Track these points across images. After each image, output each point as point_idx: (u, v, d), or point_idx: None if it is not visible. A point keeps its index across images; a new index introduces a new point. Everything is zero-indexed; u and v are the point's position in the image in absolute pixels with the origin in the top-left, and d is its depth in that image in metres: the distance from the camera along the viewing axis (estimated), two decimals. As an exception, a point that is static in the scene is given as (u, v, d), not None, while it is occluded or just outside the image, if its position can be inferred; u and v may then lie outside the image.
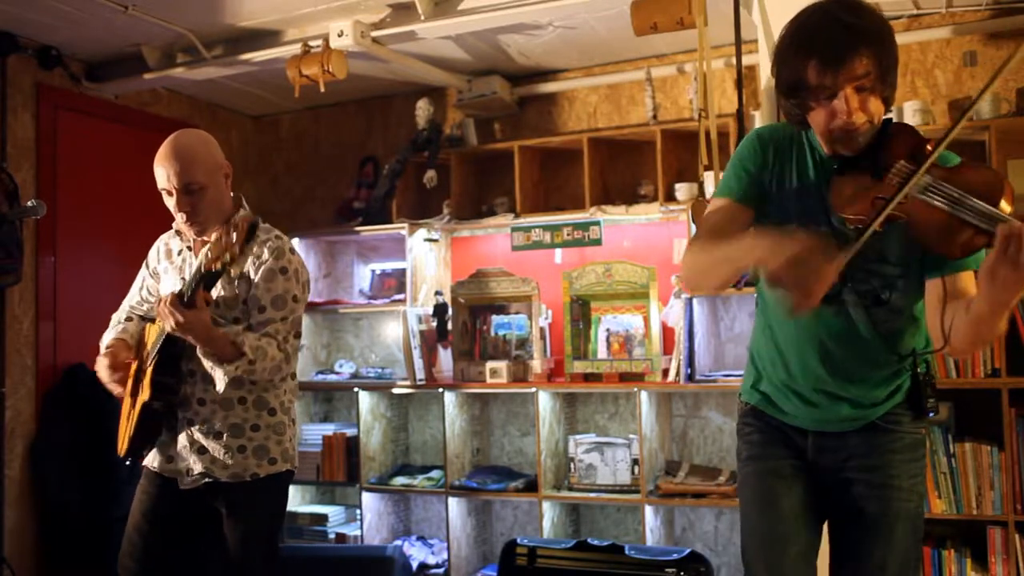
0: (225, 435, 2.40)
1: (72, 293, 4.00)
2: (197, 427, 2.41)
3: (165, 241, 2.59)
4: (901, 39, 3.73)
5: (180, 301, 2.23)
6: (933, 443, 3.31)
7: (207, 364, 2.32)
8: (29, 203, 2.75)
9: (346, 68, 3.69)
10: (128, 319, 2.63)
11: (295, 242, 4.49)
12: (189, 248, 2.48)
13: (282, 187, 5.07)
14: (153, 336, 2.47)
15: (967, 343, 1.64)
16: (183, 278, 2.45)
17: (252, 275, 2.39)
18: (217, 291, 2.40)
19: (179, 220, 2.41)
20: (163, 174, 2.35)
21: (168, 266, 2.54)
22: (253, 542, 2.42)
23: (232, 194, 2.51)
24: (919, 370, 1.80)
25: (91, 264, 4.10)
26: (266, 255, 2.39)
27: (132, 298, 2.66)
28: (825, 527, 1.91)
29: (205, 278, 2.24)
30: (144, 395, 2.39)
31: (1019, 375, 3.26)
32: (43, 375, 3.90)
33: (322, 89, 3.72)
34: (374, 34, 3.67)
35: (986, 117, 3.41)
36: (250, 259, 2.40)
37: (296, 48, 3.71)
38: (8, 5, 3.46)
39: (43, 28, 3.73)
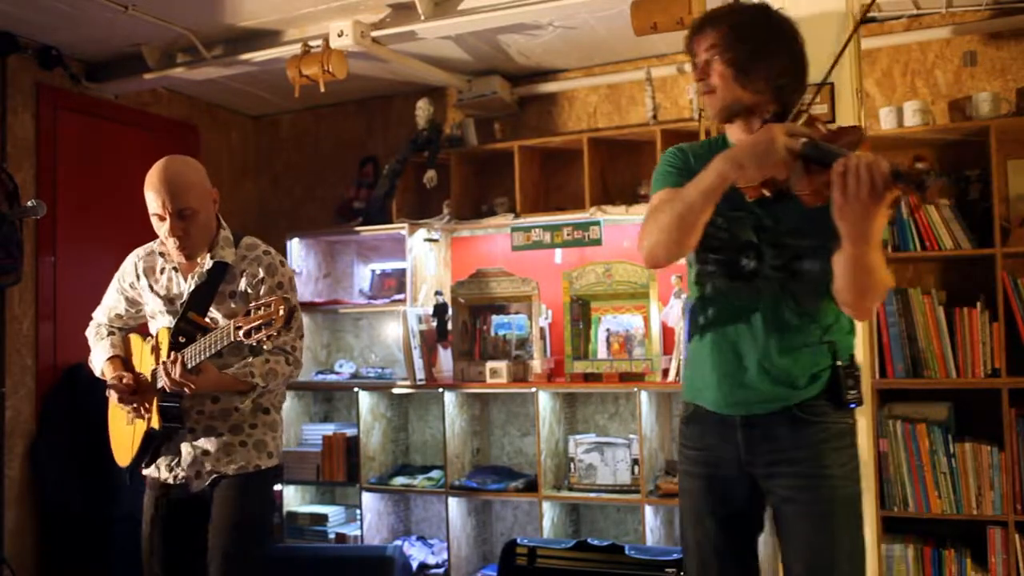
0: (226, 434, 2.49)
1: (72, 293, 4.00)
2: (199, 435, 2.49)
3: (141, 257, 2.61)
4: (901, 39, 3.74)
5: (184, 367, 2.31)
6: (933, 443, 3.31)
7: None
8: (29, 203, 2.76)
9: (346, 68, 3.69)
10: (110, 333, 2.68)
11: (295, 242, 4.51)
12: (175, 269, 2.52)
13: (282, 187, 5.07)
14: (145, 355, 2.53)
15: (850, 295, 1.74)
16: (170, 299, 2.52)
17: (250, 294, 2.47)
18: (216, 312, 2.47)
19: (170, 244, 2.44)
20: (157, 200, 2.39)
21: (150, 284, 2.57)
22: (250, 530, 2.48)
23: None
24: (839, 363, 1.86)
25: (91, 264, 4.09)
26: (261, 273, 2.48)
27: (112, 310, 2.68)
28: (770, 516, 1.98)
29: (228, 347, 2.31)
30: (154, 423, 2.46)
31: (1019, 375, 3.26)
32: (43, 375, 3.90)
33: (322, 89, 3.72)
34: (374, 34, 3.67)
35: (986, 117, 3.41)
36: (244, 278, 2.48)
37: (296, 48, 3.71)
38: (8, 5, 3.46)
39: (43, 28, 3.73)
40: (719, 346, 1.91)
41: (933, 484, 3.31)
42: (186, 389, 2.35)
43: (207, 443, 2.48)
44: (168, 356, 2.38)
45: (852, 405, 1.86)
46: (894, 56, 3.78)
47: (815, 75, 2.72)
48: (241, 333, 2.24)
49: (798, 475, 1.84)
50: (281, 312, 2.20)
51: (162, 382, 2.39)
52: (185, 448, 2.49)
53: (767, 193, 1.76)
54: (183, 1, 3.52)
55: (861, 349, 2.73)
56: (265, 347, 2.32)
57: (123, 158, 4.31)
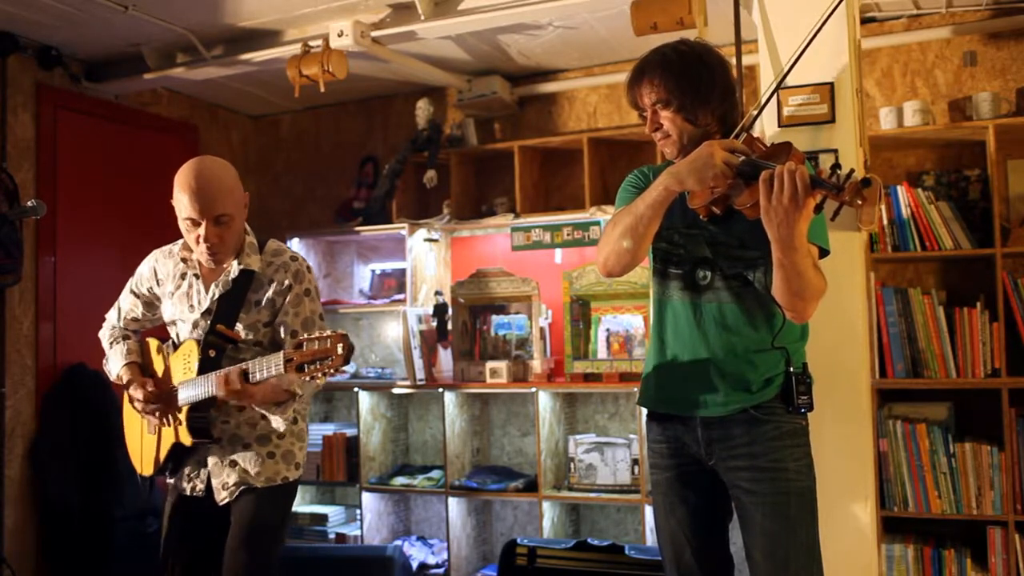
0: (254, 445, 2.42)
1: (72, 293, 4.00)
2: (226, 445, 2.42)
3: (162, 261, 2.52)
4: (901, 39, 3.74)
5: (245, 380, 2.23)
6: (933, 443, 3.31)
7: (261, 411, 2.37)
8: (29, 203, 2.74)
9: (346, 68, 3.69)
10: (125, 336, 2.59)
11: (295, 242, 4.51)
12: (196, 276, 2.43)
13: (282, 187, 5.07)
14: (167, 363, 2.47)
15: (784, 297, 1.84)
16: (191, 307, 2.43)
17: (276, 301, 2.38)
18: (238, 323, 2.39)
19: (201, 251, 2.33)
20: (193, 205, 2.25)
21: (172, 290, 2.47)
22: (270, 542, 2.44)
23: None
24: (792, 369, 1.98)
25: (91, 264, 4.10)
26: (288, 281, 2.39)
27: (128, 313, 2.59)
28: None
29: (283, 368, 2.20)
30: (183, 439, 2.39)
31: (1019, 375, 3.26)
32: (43, 375, 3.90)
33: (322, 89, 3.72)
34: (374, 34, 3.67)
35: (986, 117, 3.41)
36: (271, 285, 2.39)
37: (296, 48, 3.71)
38: (8, 5, 3.46)
39: (43, 28, 3.73)
40: (678, 354, 2.04)
41: (933, 484, 3.31)
42: (243, 401, 2.28)
43: (235, 455, 2.40)
44: (220, 372, 2.27)
45: (803, 410, 1.98)
46: (894, 56, 3.78)
47: (817, 75, 2.74)
48: (292, 367, 2.11)
49: (755, 468, 1.96)
50: (340, 351, 2.07)
51: (219, 391, 2.28)
52: (212, 460, 2.41)
53: (717, 211, 1.91)
54: (183, 1, 3.52)
55: (861, 349, 2.73)
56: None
57: (123, 158, 4.31)
